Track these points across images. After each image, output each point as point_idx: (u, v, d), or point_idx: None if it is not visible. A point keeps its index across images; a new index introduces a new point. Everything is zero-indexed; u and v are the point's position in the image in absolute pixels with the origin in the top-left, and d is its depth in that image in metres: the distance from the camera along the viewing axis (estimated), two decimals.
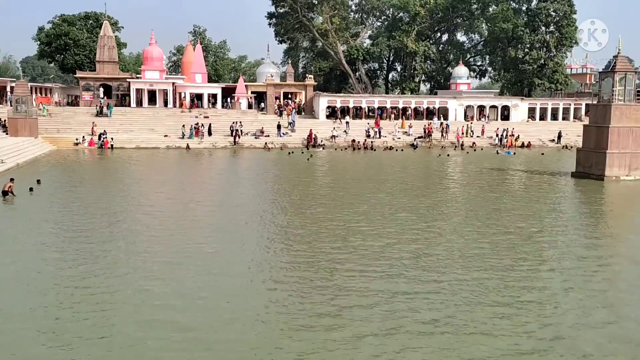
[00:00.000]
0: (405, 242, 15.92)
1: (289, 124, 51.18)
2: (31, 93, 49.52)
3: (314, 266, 13.61)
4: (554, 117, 59.70)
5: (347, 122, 51.82)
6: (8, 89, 53.99)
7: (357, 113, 56.69)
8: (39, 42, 69.13)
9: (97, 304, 11.03)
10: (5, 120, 42.85)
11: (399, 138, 50.92)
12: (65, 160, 36.24)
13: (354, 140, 48.44)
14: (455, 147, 48.56)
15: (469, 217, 19.71)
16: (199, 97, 57.87)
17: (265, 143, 46.63)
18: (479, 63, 79.11)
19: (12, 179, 23.05)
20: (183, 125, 47.64)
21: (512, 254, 14.76)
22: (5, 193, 21.69)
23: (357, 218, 19.07)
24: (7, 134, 41.17)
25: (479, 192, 25.73)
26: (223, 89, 59.82)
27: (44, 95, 60.98)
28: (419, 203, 22.33)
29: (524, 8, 67.34)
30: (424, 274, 13.15)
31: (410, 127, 52.33)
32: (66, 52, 66.47)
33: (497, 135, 51.24)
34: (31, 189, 23.38)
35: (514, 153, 45.22)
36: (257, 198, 23.99)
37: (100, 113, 50.47)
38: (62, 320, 10.28)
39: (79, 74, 57.89)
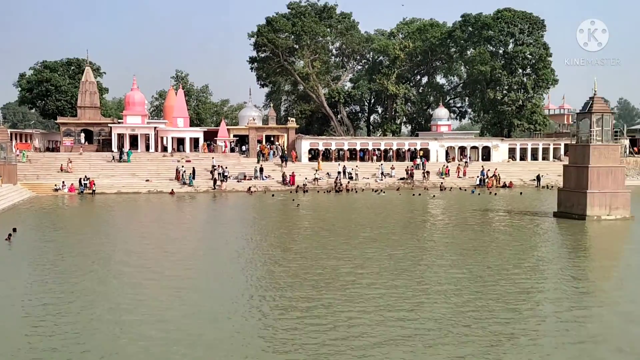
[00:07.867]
0: (390, 276, 15.70)
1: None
2: (11, 139, 49.05)
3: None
4: (534, 157, 60.49)
5: (344, 166, 51.76)
6: None
7: (340, 155, 56.99)
8: (20, 89, 68.81)
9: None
10: None
11: (381, 180, 51.07)
12: (44, 207, 35.63)
13: (336, 182, 48.43)
14: (441, 188, 48.69)
15: (454, 265, 19.56)
16: (181, 141, 57.80)
17: (249, 187, 46.43)
18: (458, 105, 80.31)
19: None
20: (184, 171, 47.22)
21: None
22: None
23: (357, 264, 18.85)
24: None
25: (462, 232, 25.61)
26: (205, 132, 59.94)
27: (24, 142, 60.46)
28: (404, 243, 22.17)
29: (500, 51, 68.76)
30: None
31: (392, 168, 52.56)
32: (47, 98, 66.22)
33: (478, 175, 51.61)
34: (8, 237, 22.80)
35: (479, 194, 45.38)
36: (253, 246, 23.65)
37: (120, 159, 50.49)
38: None
39: (60, 120, 57.70)
